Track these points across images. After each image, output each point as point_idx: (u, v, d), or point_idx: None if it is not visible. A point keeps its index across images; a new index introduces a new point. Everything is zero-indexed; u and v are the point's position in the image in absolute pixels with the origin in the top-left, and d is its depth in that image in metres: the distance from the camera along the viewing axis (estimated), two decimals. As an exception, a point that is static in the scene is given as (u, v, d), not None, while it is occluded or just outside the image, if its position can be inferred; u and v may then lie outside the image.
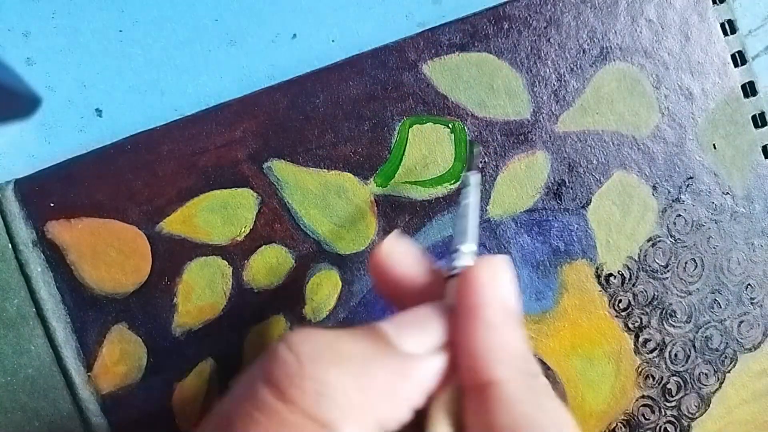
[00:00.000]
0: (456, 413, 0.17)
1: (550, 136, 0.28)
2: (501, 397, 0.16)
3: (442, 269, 0.20)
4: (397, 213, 0.28)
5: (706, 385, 0.29)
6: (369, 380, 0.16)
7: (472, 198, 0.22)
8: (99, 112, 0.28)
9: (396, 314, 0.18)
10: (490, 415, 0.16)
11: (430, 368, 0.17)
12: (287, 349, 0.16)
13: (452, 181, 0.28)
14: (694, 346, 0.29)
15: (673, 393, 0.29)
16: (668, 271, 0.29)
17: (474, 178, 0.24)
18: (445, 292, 0.19)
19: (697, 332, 0.29)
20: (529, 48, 0.28)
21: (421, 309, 0.18)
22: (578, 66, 0.28)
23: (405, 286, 0.20)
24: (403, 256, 0.20)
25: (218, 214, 0.28)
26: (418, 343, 0.17)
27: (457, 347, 0.17)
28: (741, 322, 0.29)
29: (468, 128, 0.28)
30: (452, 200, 0.28)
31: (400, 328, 0.17)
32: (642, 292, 0.29)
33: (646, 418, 0.29)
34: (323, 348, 0.16)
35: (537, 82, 0.28)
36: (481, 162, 0.28)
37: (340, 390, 0.15)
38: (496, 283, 0.18)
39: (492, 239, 0.28)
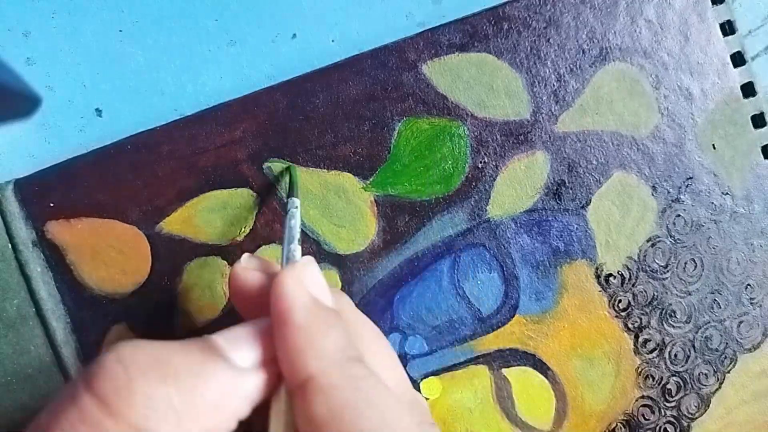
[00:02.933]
0: (292, 419, 0.17)
1: (549, 137, 0.28)
2: (317, 390, 0.16)
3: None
4: (397, 213, 0.28)
5: (705, 386, 0.29)
6: (197, 394, 0.16)
7: (295, 222, 0.23)
8: (99, 112, 0.28)
9: (230, 328, 0.18)
10: (310, 409, 0.16)
11: (257, 381, 0.17)
12: (116, 360, 0.16)
13: (452, 182, 0.28)
14: (693, 347, 0.29)
15: (673, 393, 0.29)
16: (668, 271, 0.29)
17: (292, 203, 0.25)
18: None
19: (696, 332, 0.29)
20: (529, 48, 0.28)
21: (253, 322, 0.18)
22: (578, 66, 0.28)
23: (257, 304, 0.20)
24: (251, 276, 0.20)
25: (218, 214, 0.28)
26: (248, 357, 0.18)
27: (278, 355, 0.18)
28: (741, 322, 0.29)
29: (468, 128, 0.28)
30: (452, 200, 0.28)
31: (231, 342, 0.18)
32: (642, 292, 0.29)
33: (645, 419, 0.29)
34: (152, 361, 0.16)
35: (537, 83, 0.28)
36: (481, 162, 0.28)
37: (167, 404, 0.15)
38: (298, 286, 0.18)
39: (492, 239, 0.28)
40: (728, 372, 0.29)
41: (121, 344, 0.16)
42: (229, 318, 0.28)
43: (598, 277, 0.29)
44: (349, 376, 0.17)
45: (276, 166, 0.28)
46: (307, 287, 0.18)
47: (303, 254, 0.28)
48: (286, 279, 0.18)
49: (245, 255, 0.21)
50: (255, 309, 0.20)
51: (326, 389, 0.16)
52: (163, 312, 0.28)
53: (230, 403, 0.17)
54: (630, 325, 0.29)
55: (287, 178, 0.27)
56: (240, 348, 0.18)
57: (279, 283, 0.18)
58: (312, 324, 0.18)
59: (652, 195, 0.29)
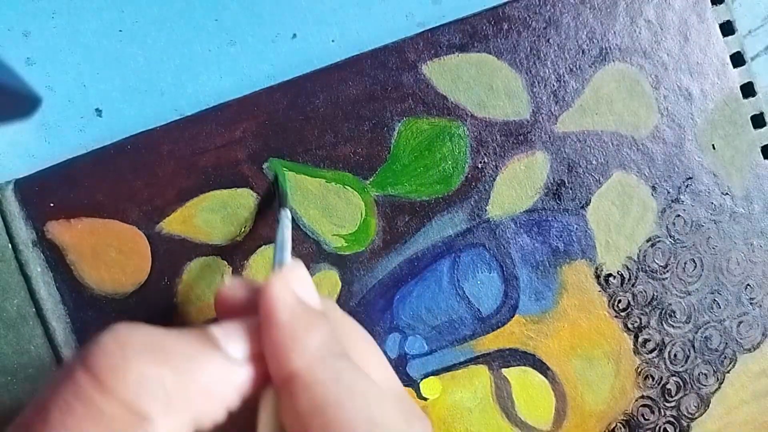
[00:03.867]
0: (278, 415, 0.18)
1: (549, 137, 0.28)
2: (301, 385, 0.17)
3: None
4: (397, 213, 0.28)
5: (705, 386, 0.29)
6: (190, 378, 0.16)
7: (286, 233, 0.24)
8: (99, 112, 0.28)
9: (227, 321, 0.19)
10: (296, 404, 0.17)
11: (248, 373, 0.18)
12: (113, 339, 0.16)
13: (452, 182, 0.28)
14: (693, 347, 0.29)
15: (673, 393, 0.29)
16: (667, 271, 0.29)
17: (285, 214, 0.25)
18: None
19: (696, 332, 0.29)
20: (529, 49, 0.28)
21: (248, 319, 0.19)
22: (577, 66, 0.28)
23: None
24: (235, 293, 0.21)
25: (218, 214, 0.28)
26: (240, 349, 0.18)
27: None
28: (740, 322, 0.29)
29: (468, 128, 0.28)
30: (452, 200, 0.28)
31: (226, 333, 0.18)
32: (641, 292, 0.29)
33: (645, 419, 0.29)
34: (149, 342, 0.16)
35: (536, 83, 0.28)
36: (481, 162, 0.28)
37: (160, 384, 0.16)
38: (284, 287, 0.19)
39: (491, 239, 0.28)
40: (728, 372, 0.29)
41: (119, 324, 0.17)
42: (229, 318, 0.28)
43: (597, 277, 0.29)
44: (332, 371, 0.17)
45: (270, 172, 0.28)
46: (294, 289, 0.19)
47: (302, 254, 0.28)
48: (273, 281, 0.18)
49: (227, 277, 0.21)
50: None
51: (309, 384, 0.17)
52: (163, 312, 0.28)
53: (221, 390, 0.17)
54: (630, 325, 0.29)
55: (278, 186, 0.27)
56: (234, 340, 0.18)
57: (267, 286, 0.18)
58: (296, 322, 0.18)
59: (652, 195, 0.29)
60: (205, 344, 0.17)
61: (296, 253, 0.28)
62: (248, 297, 0.20)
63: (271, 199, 0.28)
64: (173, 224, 0.28)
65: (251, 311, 0.19)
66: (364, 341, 0.21)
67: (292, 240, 0.28)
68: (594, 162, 0.28)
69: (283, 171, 0.28)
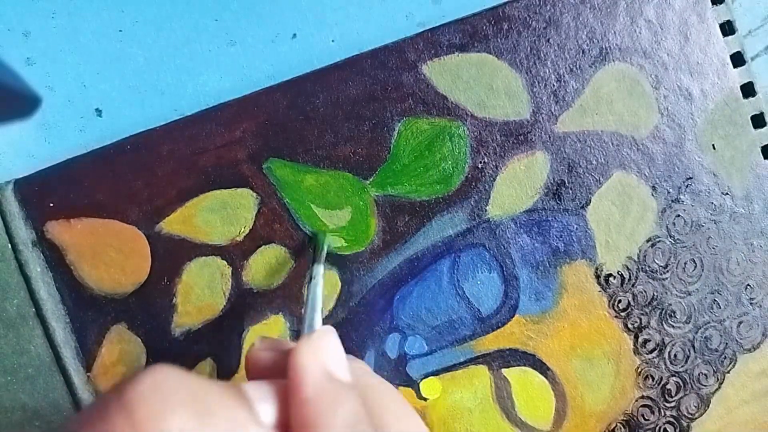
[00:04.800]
0: None
1: (549, 137, 0.28)
2: None
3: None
4: (397, 213, 0.28)
5: (705, 386, 0.29)
6: None
7: (318, 290, 0.24)
8: (99, 112, 0.28)
9: (260, 381, 0.19)
10: None
11: None
12: (154, 388, 0.16)
13: (452, 182, 0.28)
14: (693, 347, 0.29)
15: (673, 393, 0.29)
16: (668, 271, 0.29)
17: (318, 270, 0.25)
18: None
19: (696, 333, 0.29)
20: (529, 48, 0.28)
21: (280, 382, 0.19)
22: (578, 66, 0.28)
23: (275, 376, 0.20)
24: (264, 356, 0.21)
25: (218, 214, 0.28)
26: (270, 413, 0.18)
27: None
28: (740, 322, 0.29)
29: (468, 128, 0.28)
30: (452, 200, 0.28)
31: (259, 394, 0.18)
32: (641, 292, 0.29)
33: (645, 419, 0.29)
34: (189, 396, 0.16)
35: (536, 83, 0.28)
36: (481, 162, 0.28)
37: None
38: (312, 358, 0.18)
39: (491, 240, 0.28)
40: (728, 372, 0.29)
41: (159, 370, 0.16)
42: (228, 318, 0.28)
43: (597, 277, 0.29)
44: None
45: (310, 229, 0.28)
46: (322, 359, 0.19)
47: (302, 254, 0.28)
48: (301, 350, 0.18)
49: (258, 338, 0.22)
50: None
51: None
52: (163, 312, 0.28)
53: None
54: (630, 326, 0.29)
55: (315, 244, 0.27)
56: (266, 405, 0.18)
57: (294, 355, 0.18)
58: (322, 397, 0.18)
59: (652, 195, 0.29)
60: (241, 404, 0.17)
61: (296, 252, 0.28)
62: (278, 359, 0.20)
63: (305, 252, 0.28)
64: (173, 224, 0.28)
65: (281, 374, 0.19)
66: (399, 406, 0.21)
67: (292, 240, 0.28)
68: (594, 162, 0.28)
69: (325, 232, 0.28)
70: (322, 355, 0.19)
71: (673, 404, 0.29)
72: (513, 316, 0.29)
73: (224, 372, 0.28)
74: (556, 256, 0.29)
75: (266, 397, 0.18)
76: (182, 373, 0.17)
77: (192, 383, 0.16)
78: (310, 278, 0.24)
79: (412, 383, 0.29)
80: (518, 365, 0.29)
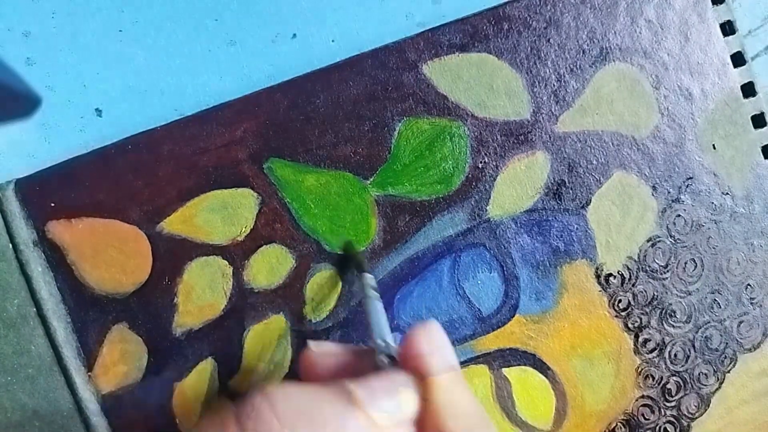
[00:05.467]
0: None
1: (549, 137, 0.28)
2: None
3: (375, 352, 0.21)
4: (397, 213, 0.28)
5: (705, 385, 0.29)
6: None
7: (373, 295, 0.24)
8: (99, 112, 0.28)
9: (367, 378, 0.19)
10: None
11: None
12: (269, 406, 0.17)
13: (452, 182, 0.28)
14: (693, 346, 0.29)
15: (673, 393, 0.29)
16: (668, 271, 0.29)
17: (368, 278, 0.25)
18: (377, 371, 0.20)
19: (696, 332, 0.29)
20: (529, 48, 0.28)
21: (389, 377, 0.19)
22: (578, 66, 0.28)
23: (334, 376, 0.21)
24: (324, 356, 0.21)
25: (218, 214, 0.28)
26: (387, 414, 0.18)
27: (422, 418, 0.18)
28: (741, 322, 0.29)
29: (468, 128, 0.28)
30: (452, 200, 0.28)
31: (370, 395, 0.18)
32: (642, 292, 0.29)
33: (645, 418, 0.29)
34: (301, 410, 0.17)
35: (537, 83, 0.28)
36: (481, 162, 0.28)
37: None
38: (438, 349, 0.19)
39: (492, 239, 0.28)
40: (728, 372, 0.29)
41: (272, 389, 0.17)
42: (229, 318, 0.28)
43: (598, 277, 0.29)
44: None
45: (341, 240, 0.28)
46: (441, 350, 0.19)
47: (302, 254, 0.28)
48: (423, 342, 0.19)
49: (312, 342, 0.22)
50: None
51: None
52: (164, 312, 0.28)
53: None
54: (630, 325, 0.29)
55: (352, 257, 0.28)
56: (379, 403, 0.18)
57: (418, 347, 0.19)
58: (454, 385, 0.19)
59: (652, 195, 0.29)
60: (352, 410, 0.17)
61: (296, 252, 0.28)
62: (337, 362, 0.21)
63: (344, 267, 0.28)
64: (174, 224, 0.28)
65: (339, 375, 0.19)
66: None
67: (292, 240, 0.28)
68: (594, 162, 0.28)
69: (350, 240, 0.28)
70: (443, 345, 0.20)
71: (673, 404, 0.29)
72: (513, 315, 0.29)
73: (224, 372, 0.28)
74: (557, 256, 0.29)
75: (378, 396, 0.18)
76: (291, 389, 0.17)
77: (302, 397, 0.17)
78: (362, 288, 0.25)
79: (412, 383, 0.29)
80: (518, 365, 0.29)
